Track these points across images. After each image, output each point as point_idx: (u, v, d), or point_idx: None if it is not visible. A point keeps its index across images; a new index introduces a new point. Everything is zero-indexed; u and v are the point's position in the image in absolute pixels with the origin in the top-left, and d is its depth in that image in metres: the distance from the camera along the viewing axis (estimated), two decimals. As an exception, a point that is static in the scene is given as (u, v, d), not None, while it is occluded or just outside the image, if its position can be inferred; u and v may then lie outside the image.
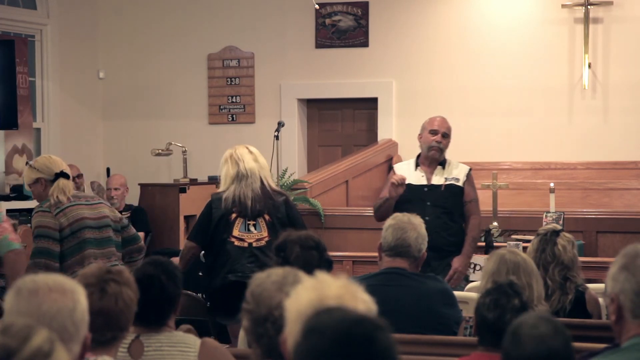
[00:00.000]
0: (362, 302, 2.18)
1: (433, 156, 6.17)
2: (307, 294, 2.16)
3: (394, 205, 5.95)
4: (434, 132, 6.21)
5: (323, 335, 1.84)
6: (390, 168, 10.14)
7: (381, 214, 6.00)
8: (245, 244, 5.52)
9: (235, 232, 5.53)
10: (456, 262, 5.96)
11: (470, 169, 6.29)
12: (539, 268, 4.58)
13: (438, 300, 4.32)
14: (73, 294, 2.32)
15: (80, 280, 2.94)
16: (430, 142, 6.18)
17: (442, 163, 6.22)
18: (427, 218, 5.72)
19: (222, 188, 5.66)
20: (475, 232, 6.13)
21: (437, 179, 6.16)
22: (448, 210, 6.07)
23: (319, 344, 1.84)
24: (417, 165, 6.25)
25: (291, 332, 2.15)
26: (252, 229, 5.53)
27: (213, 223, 5.57)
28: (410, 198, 6.00)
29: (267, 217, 5.55)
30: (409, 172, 6.18)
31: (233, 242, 5.52)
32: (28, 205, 8.99)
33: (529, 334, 2.58)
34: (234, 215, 5.54)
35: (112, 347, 2.92)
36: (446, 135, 6.21)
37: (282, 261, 3.88)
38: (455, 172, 6.20)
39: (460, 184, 6.16)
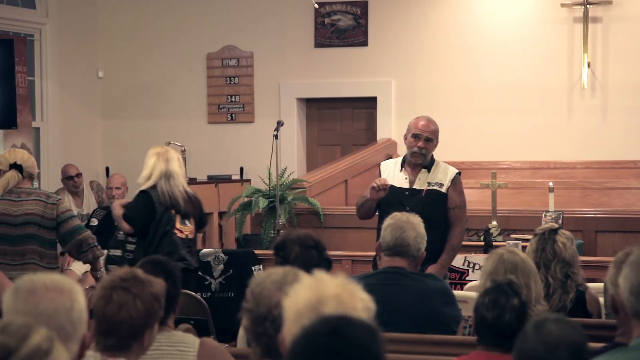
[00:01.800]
0: (360, 300, 2.18)
1: (416, 161, 5.85)
2: (305, 293, 2.16)
3: (375, 207, 5.84)
4: (416, 137, 5.86)
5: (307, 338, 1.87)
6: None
7: (362, 214, 5.97)
8: (184, 236, 6.02)
9: (178, 225, 5.99)
10: (430, 271, 5.43)
11: (457, 173, 5.94)
12: (539, 267, 4.58)
13: (437, 299, 4.32)
14: (70, 293, 2.32)
15: (102, 282, 2.96)
16: (412, 147, 5.86)
17: (429, 165, 5.89)
18: None
19: (150, 180, 6.06)
20: (455, 241, 5.78)
21: (420, 183, 5.85)
22: (427, 217, 5.58)
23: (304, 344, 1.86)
24: (403, 165, 5.94)
25: (289, 332, 2.14)
26: (186, 222, 6.05)
27: (158, 215, 5.92)
28: (390, 200, 5.73)
29: (193, 213, 6.13)
30: (394, 171, 5.92)
31: (176, 234, 5.98)
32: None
33: (553, 325, 2.56)
34: (173, 210, 5.98)
35: (131, 353, 2.90)
36: (430, 140, 5.85)
37: (281, 260, 3.88)
38: (440, 177, 5.87)
39: (443, 189, 5.82)
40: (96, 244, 5.64)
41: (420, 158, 5.84)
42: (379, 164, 6.18)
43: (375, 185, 5.72)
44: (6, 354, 1.80)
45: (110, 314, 2.87)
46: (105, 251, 6.04)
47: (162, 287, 3.00)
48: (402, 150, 10.18)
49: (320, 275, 2.22)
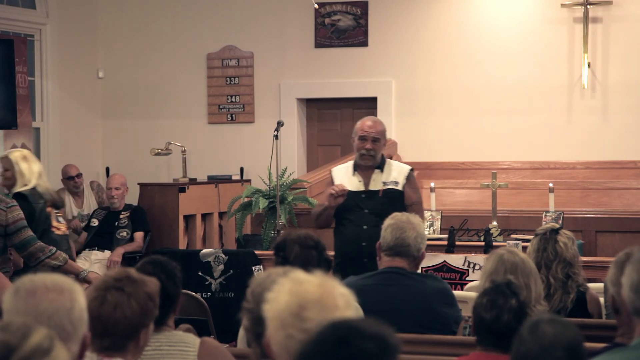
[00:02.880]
0: (341, 296, 2.18)
1: (366, 164, 5.80)
2: (285, 299, 2.15)
3: (333, 214, 5.79)
4: (363, 139, 5.81)
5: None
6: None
7: (320, 223, 5.92)
8: (61, 232, 6.11)
9: (54, 223, 6.05)
10: None
11: (411, 170, 5.92)
12: (541, 267, 4.58)
13: (437, 299, 4.32)
14: (70, 294, 2.32)
15: (96, 283, 2.95)
16: (360, 149, 5.80)
17: (381, 166, 5.84)
18: (364, 227, 5.67)
19: (31, 183, 6.01)
20: None
21: (375, 184, 5.80)
22: (386, 217, 5.72)
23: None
24: (355, 169, 5.87)
25: (275, 339, 2.14)
26: (60, 219, 6.14)
27: (36, 215, 5.91)
28: (348, 206, 5.73)
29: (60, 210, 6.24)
30: (346, 177, 5.86)
31: (54, 231, 6.02)
32: (27, 204, 9.00)
33: (547, 325, 2.56)
34: (49, 209, 6.03)
35: (127, 352, 2.90)
36: (377, 140, 5.79)
37: (281, 260, 3.88)
38: (394, 175, 5.83)
39: (399, 187, 5.80)
40: (49, 254, 5.46)
41: (369, 160, 5.80)
42: (330, 171, 6.11)
43: (333, 192, 5.68)
44: (7, 352, 1.80)
45: (105, 314, 2.87)
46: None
47: (156, 286, 3.00)
48: (402, 150, 10.23)
49: (296, 276, 2.21)
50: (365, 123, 5.88)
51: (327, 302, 2.13)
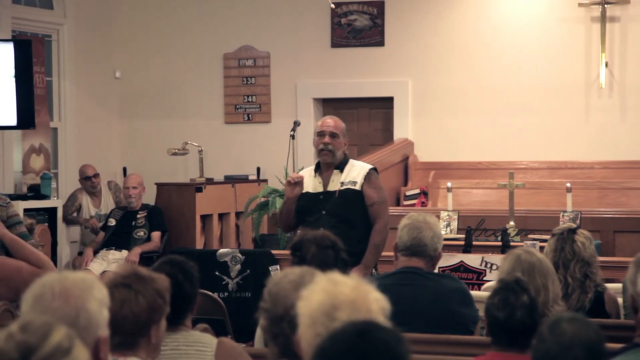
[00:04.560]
0: (375, 301, 2.18)
1: (324, 160, 5.70)
2: (319, 298, 2.15)
3: (295, 215, 5.72)
4: (321, 134, 5.71)
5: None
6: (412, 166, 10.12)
7: (283, 220, 5.86)
8: None
9: None
10: (354, 273, 4.97)
11: (371, 169, 5.76)
12: (558, 267, 4.56)
13: (454, 299, 4.31)
14: (77, 300, 2.27)
15: (104, 281, 2.96)
16: (318, 145, 5.71)
17: (342, 166, 5.72)
18: (321, 228, 5.58)
19: None
20: (377, 239, 5.61)
21: (333, 185, 5.69)
22: (344, 218, 5.56)
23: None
24: (316, 171, 5.79)
25: (305, 336, 2.14)
26: None
27: None
28: (308, 207, 5.65)
29: None
30: (309, 179, 5.77)
31: None
32: (45, 204, 9.04)
33: (568, 324, 2.54)
34: None
35: (140, 350, 2.91)
36: (335, 135, 5.68)
37: (298, 260, 3.88)
38: (353, 175, 5.69)
39: (357, 187, 5.66)
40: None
41: (328, 156, 5.69)
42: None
43: (290, 179, 5.66)
44: (28, 352, 1.80)
45: (112, 311, 2.87)
46: None
47: (166, 282, 3.01)
48: (419, 150, 10.22)
49: (333, 277, 2.21)
50: (324, 120, 5.83)
51: (360, 305, 2.13)
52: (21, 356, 1.79)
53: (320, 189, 5.72)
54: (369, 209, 5.65)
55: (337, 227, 5.25)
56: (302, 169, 6.26)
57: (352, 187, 5.67)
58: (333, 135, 5.68)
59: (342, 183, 5.69)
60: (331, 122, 5.77)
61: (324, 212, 5.63)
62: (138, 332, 2.89)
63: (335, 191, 5.68)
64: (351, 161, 5.80)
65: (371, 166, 5.83)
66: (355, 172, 5.72)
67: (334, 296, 2.14)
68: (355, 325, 1.89)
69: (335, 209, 5.58)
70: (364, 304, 2.14)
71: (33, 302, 2.26)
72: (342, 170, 5.71)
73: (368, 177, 5.70)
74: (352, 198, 5.65)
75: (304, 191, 5.73)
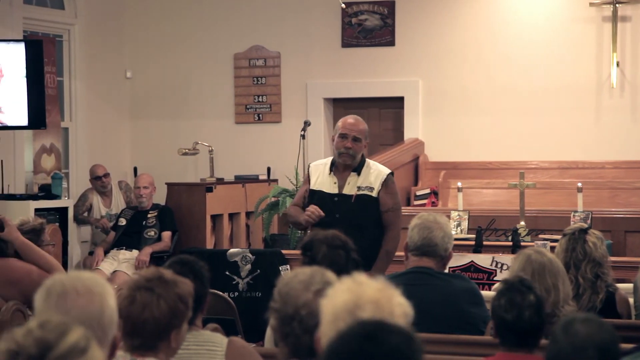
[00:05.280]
0: (398, 305, 2.17)
1: (344, 162, 5.56)
2: (343, 296, 2.16)
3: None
4: (343, 137, 5.56)
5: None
6: (420, 164, 10.12)
7: (295, 227, 5.88)
8: None
9: None
10: None
11: (389, 174, 5.63)
12: (569, 267, 4.55)
13: (465, 299, 4.31)
14: (101, 297, 2.33)
15: (128, 282, 2.97)
16: (339, 147, 5.56)
17: (359, 168, 5.60)
18: None
19: None
20: (390, 245, 5.52)
21: (349, 188, 5.57)
22: (358, 224, 5.42)
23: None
24: (331, 169, 5.64)
25: (325, 333, 2.15)
26: None
27: None
28: (321, 208, 5.50)
29: None
30: (323, 174, 5.64)
31: None
32: (56, 204, 9.06)
33: (581, 325, 2.53)
34: None
35: (159, 352, 2.92)
36: (357, 139, 5.54)
37: (308, 260, 3.88)
38: (370, 180, 5.56)
39: (374, 193, 5.54)
40: None
41: (348, 159, 5.56)
42: (309, 165, 5.87)
43: (311, 214, 5.47)
44: (45, 348, 1.82)
45: (134, 314, 2.88)
46: None
47: (189, 287, 3.01)
48: (429, 150, 10.21)
49: (360, 277, 2.21)
50: (347, 120, 5.64)
51: (383, 307, 2.13)
52: (39, 352, 1.82)
53: (335, 190, 5.60)
54: (383, 215, 5.56)
55: (350, 232, 5.05)
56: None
57: (369, 194, 5.56)
58: (356, 139, 5.55)
59: (359, 188, 5.57)
60: (355, 124, 5.61)
61: (337, 216, 5.50)
62: (158, 336, 2.90)
63: (351, 195, 5.56)
64: (368, 162, 5.67)
65: (389, 171, 5.69)
66: (373, 176, 5.59)
67: (358, 295, 2.15)
68: (364, 325, 1.88)
69: (351, 214, 5.49)
70: (387, 306, 2.14)
71: (57, 299, 2.29)
72: (359, 174, 5.59)
73: (385, 183, 5.58)
74: (367, 204, 5.55)
75: (317, 189, 5.63)
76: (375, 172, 5.61)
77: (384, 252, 5.50)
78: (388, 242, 5.53)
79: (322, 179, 5.65)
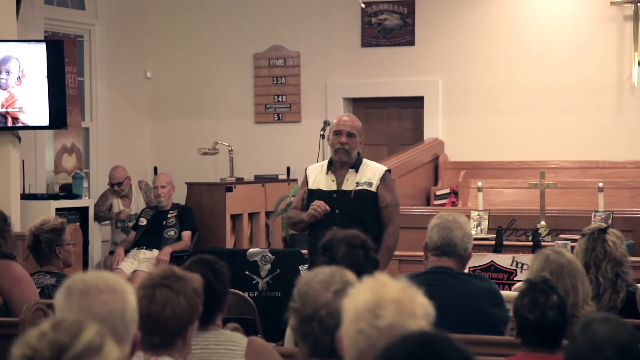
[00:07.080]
0: (420, 306, 2.17)
1: (340, 159, 5.64)
2: (365, 295, 2.16)
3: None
4: (337, 133, 5.63)
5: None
6: (436, 164, 10.10)
7: (296, 229, 5.91)
8: None
9: None
10: None
11: (386, 171, 5.71)
12: (590, 267, 4.53)
13: (485, 299, 4.30)
14: (123, 294, 2.34)
15: (142, 281, 2.97)
16: (335, 144, 5.64)
17: (357, 165, 5.67)
18: (334, 228, 5.53)
19: None
20: (390, 241, 5.58)
21: (348, 184, 5.63)
22: (358, 219, 5.44)
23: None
24: (329, 168, 5.72)
25: (347, 332, 2.15)
26: None
27: None
28: None
29: None
30: (320, 175, 5.72)
31: None
32: (77, 204, 9.11)
33: (599, 325, 2.52)
34: None
35: (175, 350, 2.92)
36: (352, 135, 5.61)
37: (328, 260, 3.88)
38: (368, 176, 5.64)
39: (372, 189, 5.61)
40: None
41: (344, 155, 5.63)
42: (305, 169, 5.93)
43: (317, 210, 5.53)
44: (60, 350, 1.81)
45: (154, 312, 2.88)
46: None
47: (200, 281, 3.02)
48: (449, 149, 10.19)
49: (382, 277, 2.21)
50: (341, 118, 5.76)
51: (405, 307, 2.13)
52: (53, 355, 1.80)
53: (334, 187, 5.67)
54: (382, 211, 5.61)
55: (350, 227, 5.15)
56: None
57: (368, 189, 5.62)
58: (350, 134, 5.63)
59: (358, 183, 5.64)
60: (348, 120, 5.71)
61: (337, 211, 5.56)
62: (178, 333, 2.90)
63: (350, 191, 5.63)
64: (365, 161, 5.75)
65: (386, 168, 5.78)
66: (371, 172, 5.67)
67: (380, 295, 2.15)
68: (422, 333, 1.90)
69: (350, 209, 5.54)
70: (409, 306, 2.14)
71: (79, 296, 2.29)
72: (357, 170, 5.67)
73: (384, 178, 5.65)
74: (367, 199, 5.61)
75: (315, 188, 5.69)
76: (373, 168, 5.71)
77: (384, 247, 5.54)
78: (388, 238, 5.59)
79: (320, 179, 5.72)
